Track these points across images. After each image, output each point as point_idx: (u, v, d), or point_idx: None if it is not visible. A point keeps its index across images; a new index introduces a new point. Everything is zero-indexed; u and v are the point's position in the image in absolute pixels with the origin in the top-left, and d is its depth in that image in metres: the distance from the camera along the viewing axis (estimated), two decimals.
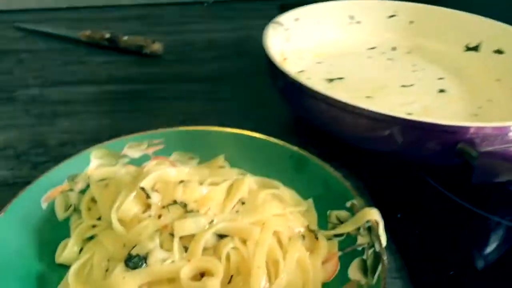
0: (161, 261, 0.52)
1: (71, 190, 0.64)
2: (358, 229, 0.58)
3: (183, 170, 0.62)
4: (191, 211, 0.55)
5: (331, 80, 0.88)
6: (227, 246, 0.53)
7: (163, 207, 0.56)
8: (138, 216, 0.55)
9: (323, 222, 0.61)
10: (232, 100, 0.89)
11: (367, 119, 0.64)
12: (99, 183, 0.62)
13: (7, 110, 0.86)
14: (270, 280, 0.52)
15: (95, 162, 0.67)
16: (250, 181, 0.62)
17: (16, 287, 0.53)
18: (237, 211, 0.57)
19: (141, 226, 0.54)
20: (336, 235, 0.59)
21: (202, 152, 0.71)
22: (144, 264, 0.51)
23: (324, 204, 0.63)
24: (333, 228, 0.60)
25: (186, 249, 0.53)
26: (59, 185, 0.64)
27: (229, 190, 0.60)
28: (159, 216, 0.54)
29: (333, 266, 0.57)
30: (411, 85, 0.87)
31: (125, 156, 0.69)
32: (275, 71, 0.75)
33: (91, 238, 0.59)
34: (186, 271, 0.51)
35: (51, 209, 0.62)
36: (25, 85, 0.92)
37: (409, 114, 0.71)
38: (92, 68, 1.00)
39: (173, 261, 0.52)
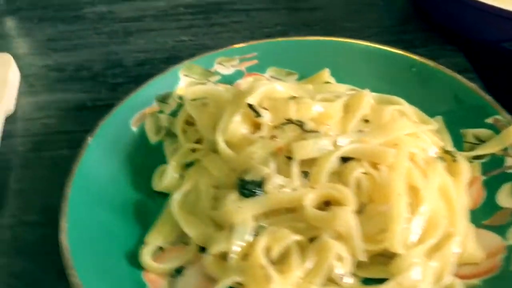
0: (279, 188, 0.44)
1: (161, 112, 0.57)
2: (505, 149, 0.48)
3: (291, 86, 0.52)
4: (310, 131, 0.46)
5: None
6: (356, 171, 0.44)
7: (275, 127, 0.48)
8: (248, 138, 0.47)
9: (458, 143, 0.52)
10: (325, 9, 0.78)
11: None
12: (194, 103, 0.54)
13: (75, 29, 0.78)
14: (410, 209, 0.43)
15: (184, 80, 0.59)
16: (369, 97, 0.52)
17: (113, 216, 0.48)
18: (359, 131, 0.48)
19: (252, 148, 0.46)
20: (476, 157, 0.50)
21: (302, 67, 0.61)
22: (261, 192, 0.44)
23: (457, 121, 0.53)
24: (472, 149, 0.51)
25: (305, 175, 0.45)
26: (147, 106, 0.57)
27: (346, 108, 0.51)
28: (272, 137, 0.46)
29: (478, 192, 0.48)
30: None
31: (216, 73, 0.61)
32: None
33: (190, 164, 0.52)
34: (310, 200, 0.43)
35: (142, 132, 0.55)
36: (91, 1, 0.84)
37: None
38: None
39: (293, 189, 0.44)
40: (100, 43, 0.75)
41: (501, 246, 0.43)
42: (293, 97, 0.49)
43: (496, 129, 0.50)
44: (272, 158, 0.46)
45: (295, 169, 0.45)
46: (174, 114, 0.57)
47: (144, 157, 0.53)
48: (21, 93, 0.66)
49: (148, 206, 0.50)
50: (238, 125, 0.48)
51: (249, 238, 0.43)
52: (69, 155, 0.56)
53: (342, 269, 0.41)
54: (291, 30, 0.75)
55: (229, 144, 0.48)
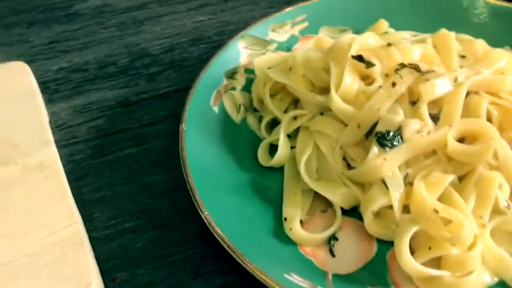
0: (417, 132, 0.43)
1: (233, 88, 0.53)
2: None
3: (376, 36, 0.51)
4: (426, 72, 0.45)
5: None
6: (484, 102, 0.44)
7: (386, 75, 0.46)
8: (365, 91, 0.45)
9: None
10: None
11: None
12: (276, 71, 0.51)
13: (76, 28, 0.71)
14: None
15: (245, 53, 0.56)
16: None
17: (238, 198, 0.44)
18: (461, 67, 0.48)
19: (376, 100, 0.44)
20: None
21: (353, 22, 0.60)
22: (400, 140, 0.42)
23: None
24: None
25: (431, 116, 0.44)
26: (219, 85, 0.53)
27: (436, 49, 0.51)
28: (393, 84, 0.44)
29: None
30: None
31: (272, 41, 0.58)
32: None
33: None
34: (453, 137, 0.42)
35: (223, 111, 0.51)
36: None
37: None
38: None
39: (429, 132, 0.43)
40: (113, 37, 0.69)
41: None
42: (389, 44, 0.48)
43: None
44: (398, 105, 0.44)
45: (426, 112, 0.44)
46: (245, 89, 0.54)
47: (235, 136, 0.50)
48: (48, 100, 0.59)
49: (263, 183, 0.46)
50: (352, 80, 0.46)
51: (403, 188, 0.41)
52: (138, 152, 0.52)
53: (505, 199, 0.41)
54: None
55: (345, 101, 0.45)
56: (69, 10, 0.75)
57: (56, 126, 0.56)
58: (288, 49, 0.58)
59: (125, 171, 0.51)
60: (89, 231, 0.45)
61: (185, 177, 0.43)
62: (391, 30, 0.58)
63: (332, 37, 0.59)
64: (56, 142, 0.52)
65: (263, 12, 0.71)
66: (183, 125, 0.47)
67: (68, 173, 0.49)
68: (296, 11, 0.59)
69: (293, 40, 0.58)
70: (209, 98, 0.51)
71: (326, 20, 0.60)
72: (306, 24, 0.59)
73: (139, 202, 0.48)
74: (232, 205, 0.43)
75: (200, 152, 0.46)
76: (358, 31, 0.59)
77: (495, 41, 0.55)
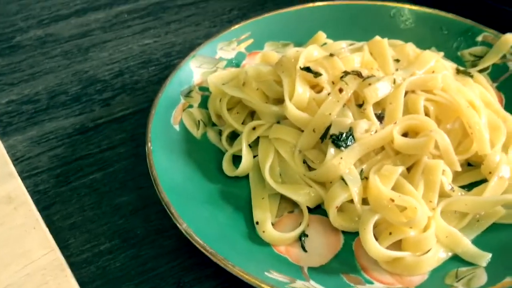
0: (366, 132, 0.48)
1: (190, 106, 0.56)
2: (504, 56, 0.58)
3: (318, 48, 0.56)
4: (368, 77, 0.50)
5: None
6: (421, 99, 0.49)
7: (332, 82, 0.51)
8: (316, 99, 0.50)
9: (458, 64, 0.60)
10: None
11: None
12: (230, 86, 0.54)
13: (20, 60, 0.71)
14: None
15: (197, 72, 0.59)
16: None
17: (211, 209, 0.47)
18: (397, 70, 0.54)
19: (327, 106, 0.48)
20: (481, 70, 0.58)
21: (294, 36, 0.65)
22: (353, 140, 0.47)
23: (449, 47, 0.61)
24: (474, 65, 0.59)
25: (377, 116, 0.49)
26: (177, 104, 0.55)
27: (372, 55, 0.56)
28: (340, 90, 0.49)
29: (497, 96, 0.56)
30: None
31: (221, 59, 0.61)
32: None
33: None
34: (399, 133, 0.47)
35: (184, 129, 0.54)
36: (20, 29, 0.76)
37: None
38: None
39: (376, 131, 0.48)
40: (60, 66, 0.69)
41: None
42: (332, 55, 0.53)
43: (488, 44, 0.59)
44: (347, 109, 0.49)
45: (372, 112, 0.48)
46: (201, 105, 0.57)
47: (199, 151, 0.53)
48: (2, 134, 0.59)
49: (231, 193, 0.49)
50: (303, 89, 0.50)
51: (360, 182, 0.46)
52: (103, 176, 0.54)
53: (448, 183, 0.46)
54: (249, 12, 0.77)
55: (298, 109, 0.49)
56: (11, 42, 0.74)
57: (15, 159, 0.56)
58: (237, 65, 0.61)
59: (93, 196, 0.52)
60: (66, 257, 0.46)
61: (158, 194, 0.45)
62: (329, 41, 0.63)
63: (277, 51, 0.63)
64: (18, 174, 0.53)
65: (206, 32, 0.74)
66: (149, 144, 0.49)
67: (35, 203, 0.50)
68: (240, 29, 0.63)
69: (240, 56, 0.62)
70: (170, 117, 0.53)
71: (269, 36, 0.64)
72: (251, 40, 0.63)
73: (111, 224, 0.50)
74: (206, 215, 0.46)
75: (169, 169, 0.48)
76: (300, 43, 0.64)
77: (423, 44, 0.61)
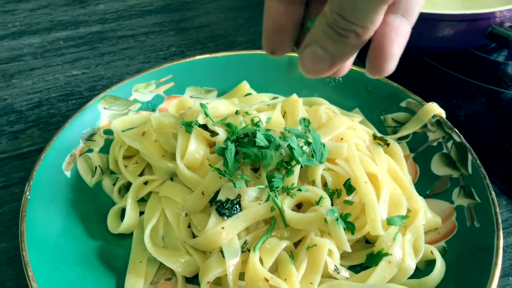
0: (255, 200, 0.45)
1: (90, 150, 0.53)
2: (425, 126, 0.55)
3: (228, 102, 0.53)
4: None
5: None
6: (320, 169, 0.47)
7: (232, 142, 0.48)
8: (210, 158, 0.47)
9: (380, 129, 0.58)
10: (211, 26, 0.80)
11: None
12: (130, 134, 0.52)
13: None
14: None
15: (105, 114, 0.56)
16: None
17: (80, 271, 0.44)
18: (306, 132, 0.51)
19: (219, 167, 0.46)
20: (401, 138, 0.56)
21: (219, 83, 0.62)
22: (239, 208, 0.44)
23: (374, 110, 0.59)
24: (394, 132, 0.57)
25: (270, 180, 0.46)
26: (74, 148, 0.53)
27: (284, 114, 0.54)
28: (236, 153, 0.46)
29: (412, 168, 0.54)
30: None
31: (135, 101, 0.58)
32: None
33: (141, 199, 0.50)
34: (289, 206, 0.45)
35: (76, 175, 0.51)
36: None
37: None
38: (21, 16, 0.82)
39: (267, 199, 0.45)
40: None
41: (450, 209, 0.49)
42: (237, 112, 0.50)
43: (411, 111, 0.57)
44: (240, 172, 0.46)
45: (265, 178, 0.46)
46: (103, 150, 0.54)
47: (87, 201, 0.50)
48: None
49: (113, 253, 0.46)
50: (197, 147, 0.47)
51: (239, 256, 0.43)
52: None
53: (334, 264, 0.43)
54: (186, 50, 0.75)
55: (190, 168, 0.47)
56: None
57: None
58: (153, 109, 0.59)
59: None
60: None
61: (20, 250, 0.42)
62: (254, 92, 0.61)
63: (198, 97, 0.60)
64: None
65: (139, 67, 0.72)
66: (27, 193, 0.46)
67: None
68: (161, 71, 0.60)
69: (158, 100, 0.59)
70: (62, 162, 0.51)
71: (192, 80, 0.61)
72: (172, 84, 0.60)
73: None
74: (72, 279, 0.42)
75: (44, 223, 0.45)
76: (223, 91, 0.62)
77: (349, 103, 0.59)
